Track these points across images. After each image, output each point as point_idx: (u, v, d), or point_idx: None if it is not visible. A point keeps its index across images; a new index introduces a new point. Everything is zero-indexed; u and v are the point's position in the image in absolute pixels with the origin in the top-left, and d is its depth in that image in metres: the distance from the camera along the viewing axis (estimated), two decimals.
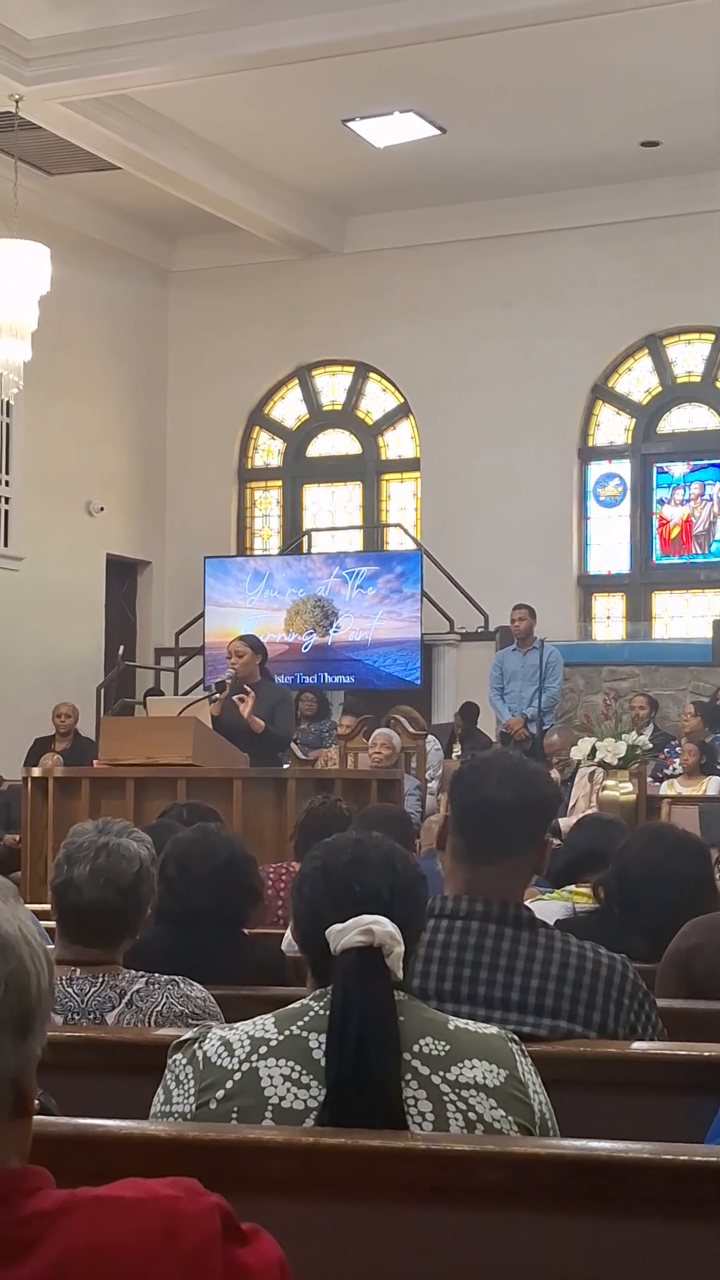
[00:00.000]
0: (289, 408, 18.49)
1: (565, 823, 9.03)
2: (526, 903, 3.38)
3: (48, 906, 4.02)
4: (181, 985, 3.61)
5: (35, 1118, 2.51)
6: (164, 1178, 1.56)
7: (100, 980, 3.57)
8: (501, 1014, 3.15)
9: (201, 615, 16.76)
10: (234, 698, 9.85)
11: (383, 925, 2.50)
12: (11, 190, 13.42)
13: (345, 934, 2.50)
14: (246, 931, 4.44)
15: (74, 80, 13.18)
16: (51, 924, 3.90)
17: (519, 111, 14.48)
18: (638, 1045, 3.23)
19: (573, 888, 5.27)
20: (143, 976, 3.62)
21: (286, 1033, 2.53)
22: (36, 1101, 2.63)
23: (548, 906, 4.93)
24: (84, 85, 13.32)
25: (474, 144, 15.17)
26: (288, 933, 5.35)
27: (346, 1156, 2.32)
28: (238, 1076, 2.50)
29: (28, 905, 5.64)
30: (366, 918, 2.51)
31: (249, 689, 9.91)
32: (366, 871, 2.65)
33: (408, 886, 2.68)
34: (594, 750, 11.09)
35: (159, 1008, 3.55)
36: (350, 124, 14.74)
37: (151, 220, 17.43)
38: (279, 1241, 1.59)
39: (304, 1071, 2.49)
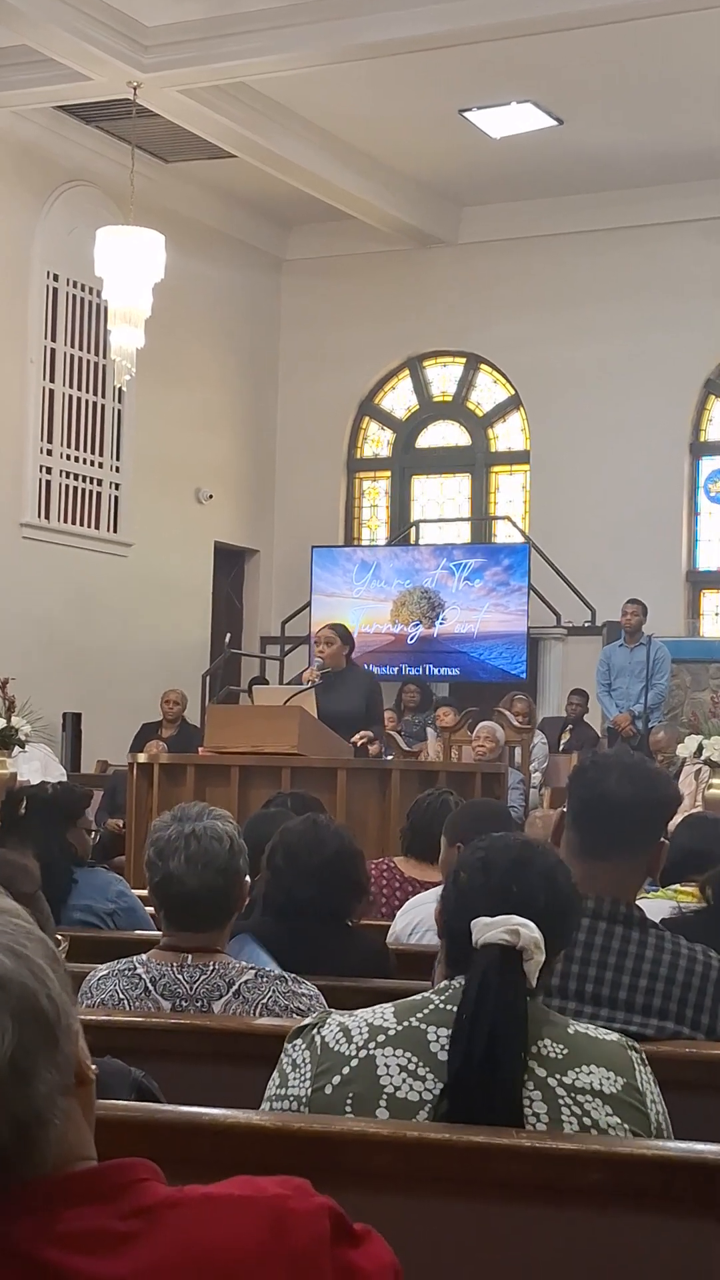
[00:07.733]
0: (399, 398, 18.47)
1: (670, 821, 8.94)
2: None
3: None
4: (290, 982, 3.60)
5: (140, 1104, 2.52)
6: (273, 1176, 1.52)
7: (210, 968, 3.57)
8: (609, 1012, 3.13)
9: (308, 604, 16.76)
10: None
11: (530, 930, 2.48)
12: (128, 177, 13.49)
13: (491, 929, 2.49)
14: (351, 924, 4.42)
15: (192, 68, 13.22)
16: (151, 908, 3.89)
17: (636, 103, 14.37)
18: None
19: (678, 886, 5.22)
20: (252, 968, 3.61)
21: (405, 1024, 2.52)
22: (136, 1076, 2.64)
23: (652, 905, 4.87)
24: (201, 73, 13.35)
25: (591, 135, 15.08)
26: (393, 925, 5.34)
27: (451, 1152, 2.31)
28: (354, 1063, 2.50)
29: (134, 891, 5.62)
30: (516, 919, 2.50)
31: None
32: (527, 876, 2.63)
33: (564, 902, 2.66)
34: (701, 748, 11.00)
35: (265, 1000, 3.53)
36: (467, 114, 14.69)
37: (266, 208, 17.46)
38: (380, 1233, 1.56)
39: (420, 1064, 2.48)
